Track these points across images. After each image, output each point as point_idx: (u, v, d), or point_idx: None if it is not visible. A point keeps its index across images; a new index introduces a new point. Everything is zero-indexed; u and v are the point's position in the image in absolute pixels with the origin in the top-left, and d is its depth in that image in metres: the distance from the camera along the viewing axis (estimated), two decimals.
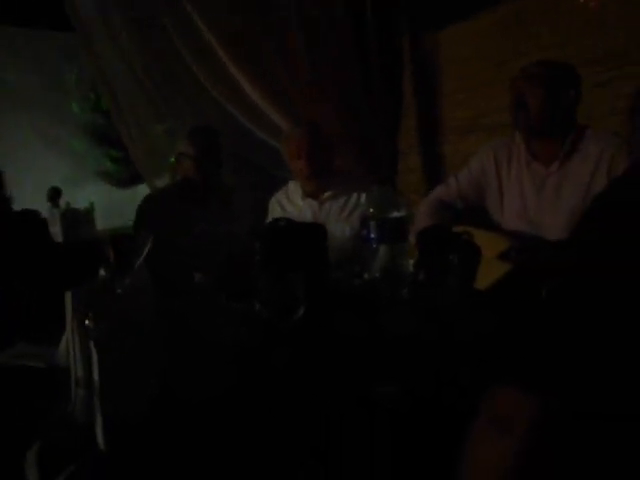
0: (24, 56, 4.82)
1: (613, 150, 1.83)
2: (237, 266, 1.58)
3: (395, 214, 1.50)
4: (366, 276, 1.54)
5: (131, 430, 0.92)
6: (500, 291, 1.49)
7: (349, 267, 1.69)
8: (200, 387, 1.06)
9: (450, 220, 2.08)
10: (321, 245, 1.47)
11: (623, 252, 0.68)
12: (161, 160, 2.93)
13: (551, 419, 0.64)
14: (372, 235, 1.50)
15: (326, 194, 2.29)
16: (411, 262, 1.49)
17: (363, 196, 2.25)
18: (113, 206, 4.81)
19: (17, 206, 2.10)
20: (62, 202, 4.42)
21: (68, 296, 0.91)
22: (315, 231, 1.50)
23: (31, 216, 2.09)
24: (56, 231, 3.97)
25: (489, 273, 1.53)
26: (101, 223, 4.50)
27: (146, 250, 1.09)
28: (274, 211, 2.42)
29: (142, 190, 3.77)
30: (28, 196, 2.72)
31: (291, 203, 2.39)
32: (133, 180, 4.78)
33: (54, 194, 4.40)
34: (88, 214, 4.44)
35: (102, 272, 1.09)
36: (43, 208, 3.85)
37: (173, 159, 2.43)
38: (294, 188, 2.40)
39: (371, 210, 1.52)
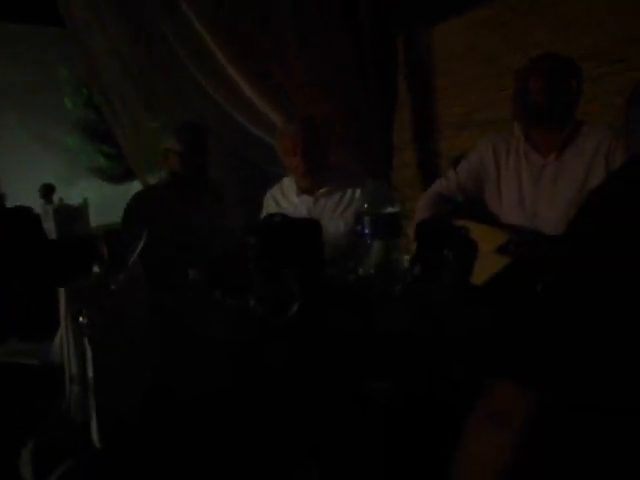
0: (15, 53, 4.78)
1: (609, 142, 1.87)
2: (228, 259, 1.58)
3: (389, 210, 1.50)
4: (361, 272, 1.54)
5: (126, 427, 0.91)
6: (498, 285, 1.50)
7: (344, 263, 1.69)
8: (195, 383, 1.05)
9: (449, 213, 2.11)
10: (316, 241, 1.47)
11: (618, 246, 0.68)
12: (154, 157, 2.92)
13: (548, 413, 0.64)
14: (366, 231, 1.49)
15: (321, 190, 2.29)
16: (407, 258, 1.49)
17: (358, 192, 2.24)
18: (107, 202, 4.79)
19: (11, 204, 2.09)
20: (56, 198, 4.40)
21: (62, 293, 0.90)
22: (310, 227, 1.50)
23: (24, 213, 2.08)
24: (50, 227, 3.96)
25: (488, 267, 1.54)
26: (95, 219, 4.49)
27: (140, 246, 1.09)
28: (269, 207, 2.41)
29: (136, 186, 3.76)
30: (22, 193, 2.71)
31: (286, 199, 2.39)
32: (126, 176, 4.77)
33: (47, 191, 4.39)
34: (82, 210, 4.42)
35: (96, 268, 1.08)
36: (37, 205, 3.83)
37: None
38: (289, 184, 2.39)
39: (365, 205, 1.52)
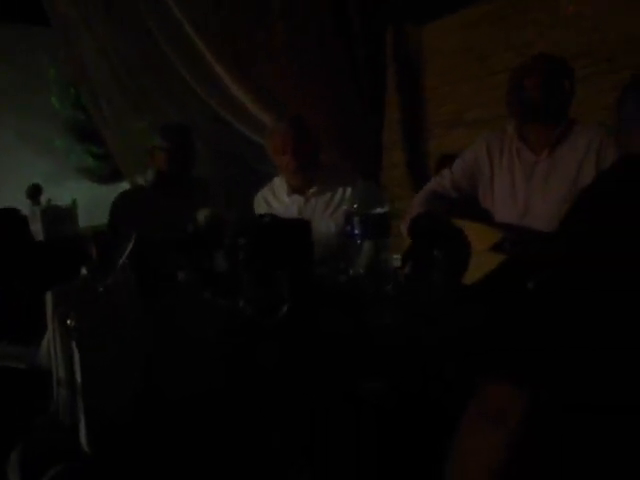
0: (2, 53, 4.73)
1: (600, 139, 1.90)
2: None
3: (379, 210, 1.50)
4: (351, 272, 1.54)
5: (115, 430, 0.90)
6: (491, 283, 1.50)
7: (334, 263, 1.68)
8: (185, 384, 1.05)
9: (444, 210, 2.11)
10: (306, 241, 1.46)
11: (610, 244, 0.68)
12: (141, 157, 2.90)
13: (542, 412, 0.64)
14: (356, 231, 1.49)
15: (312, 190, 2.28)
16: (396, 257, 1.49)
17: (348, 191, 2.24)
18: (95, 203, 4.74)
19: None
20: (44, 199, 4.36)
21: (49, 295, 0.89)
22: (300, 227, 1.49)
23: (11, 214, 2.05)
24: (37, 229, 3.91)
25: (483, 265, 1.54)
26: (84, 220, 4.45)
27: (129, 247, 1.08)
28: (259, 208, 2.40)
29: (124, 187, 3.73)
30: (9, 195, 2.68)
31: (277, 199, 2.38)
32: (115, 176, 4.72)
33: (34, 191, 4.33)
34: (70, 211, 4.38)
35: (84, 270, 1.07)
36: (24, 206, 3.79)
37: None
38: (279, 184, 2.39)
39: (355, 206, 1.52)
